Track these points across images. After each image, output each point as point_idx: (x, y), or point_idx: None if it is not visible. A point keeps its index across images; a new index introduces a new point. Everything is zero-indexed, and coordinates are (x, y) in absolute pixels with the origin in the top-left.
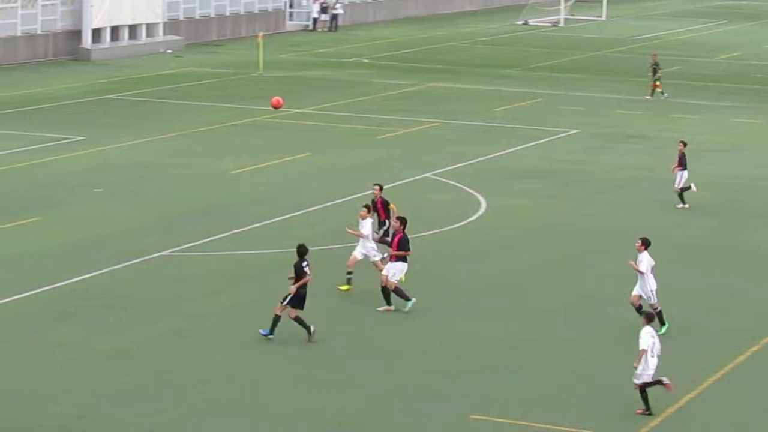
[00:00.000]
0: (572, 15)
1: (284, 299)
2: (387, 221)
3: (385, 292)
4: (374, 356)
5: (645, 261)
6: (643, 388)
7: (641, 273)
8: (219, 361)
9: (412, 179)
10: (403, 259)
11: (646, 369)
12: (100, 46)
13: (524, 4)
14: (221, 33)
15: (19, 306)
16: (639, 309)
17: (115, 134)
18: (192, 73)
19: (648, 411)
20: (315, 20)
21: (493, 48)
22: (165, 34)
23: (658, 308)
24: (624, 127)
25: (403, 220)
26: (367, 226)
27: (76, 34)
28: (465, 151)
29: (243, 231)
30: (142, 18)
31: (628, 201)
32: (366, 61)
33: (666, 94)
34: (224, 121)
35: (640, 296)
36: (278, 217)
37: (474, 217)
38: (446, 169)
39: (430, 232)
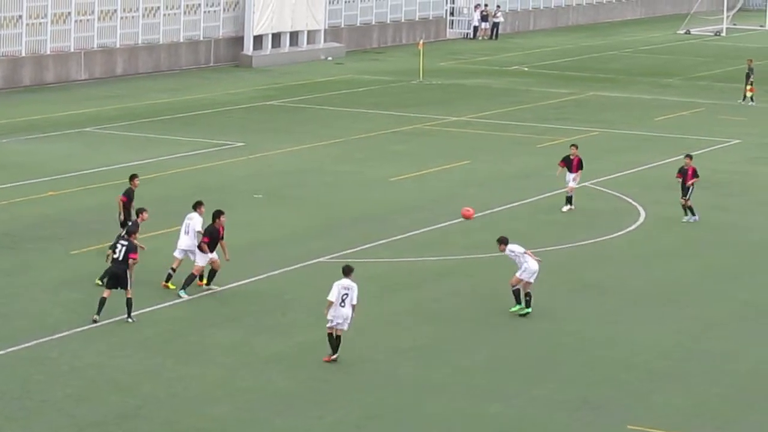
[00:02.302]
0: (734, 24)
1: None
2: None
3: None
4: (535, 364)
5: None
6: None
7: None
8: (377, 368)
9: None
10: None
11: None
12: (262, 52)
13: (686, 13)
14: (382, 40)
15: (181, 310)
16: None
17: (275, 140)
18: (352, 80)
19: None
20: (476, 28)
21: (655, 57)
22: (326, 41)
23: None
24: None
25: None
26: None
27: (237, 41)
28: (625, 160)
29: (401, 238)
30: (303, 25)
31: None
32: (526, 69)
33: (753, 102)
34: (384, 129)
35: None
36: (437, 225)
37: (633, 227)
38: (606, 178)
39: (590, 241)
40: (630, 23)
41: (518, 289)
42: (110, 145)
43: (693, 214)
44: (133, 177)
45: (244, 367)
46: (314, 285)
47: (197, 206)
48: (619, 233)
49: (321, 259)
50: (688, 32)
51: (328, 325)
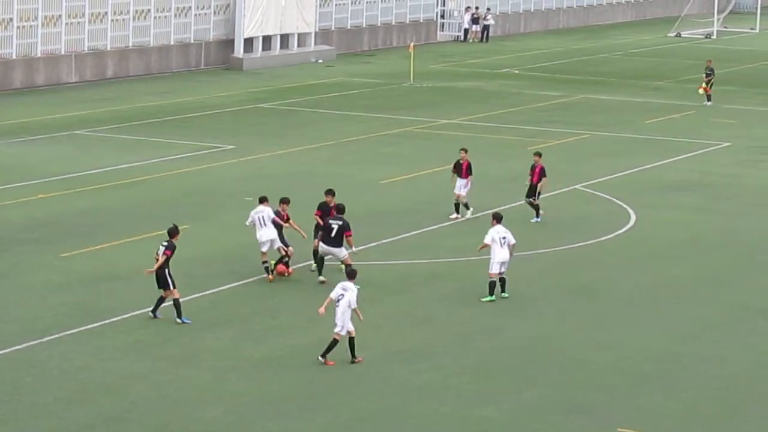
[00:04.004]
0: (725, 27)
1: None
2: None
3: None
4: (525, 367)
5: None
6: None
7: None
8: (367, 371)
9: (562, 191)
10: None
11: None
12: (252, 55)
13: (677, 16)
14: (372, 43)
15: (171, 313)
16: None
17: (265, 143)
18: (343, 83)
19: None
20: (466, 31)
21: (645, 60)
22: (316, 44)
23: None
24: None
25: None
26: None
27: (228, 44)
28: (615, 163)
29: (392, 241)
30: (293, 28)
31: None
32: (517, 72)
33: (709, 102)
34: (374, 131)
35: None
36: (427, 227)
37: (624, 230)
38: (596, 180)
39: (580, 244)
40: (620, 26)
41: (495, 282)
42: (101, 148)
43: (537, 216)
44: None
45: (235, 370)
46: (305, 288)
47: (263, 200)
48: (610, 236)
49: (311, 262)
50: (678, 35)
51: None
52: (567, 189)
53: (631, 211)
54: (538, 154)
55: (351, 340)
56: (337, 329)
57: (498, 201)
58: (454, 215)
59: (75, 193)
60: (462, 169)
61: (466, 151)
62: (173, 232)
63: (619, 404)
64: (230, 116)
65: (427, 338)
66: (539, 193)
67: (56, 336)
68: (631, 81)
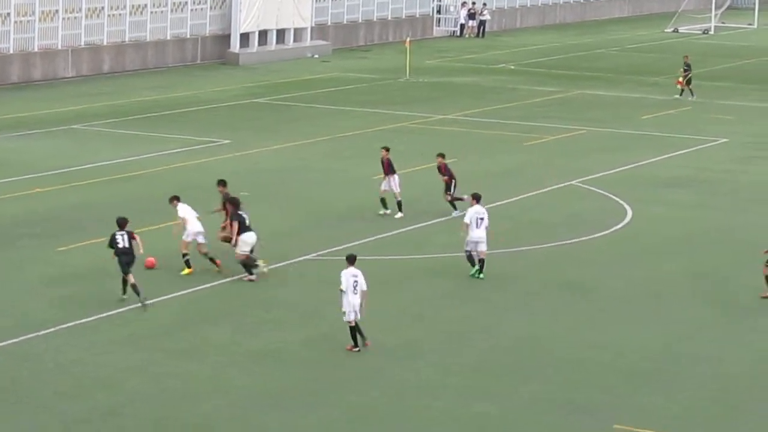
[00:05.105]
0: (723, 23)
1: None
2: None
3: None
4: (521, 364)
5: None
6: None
7: None
8: (363, 366)
9: (558, 186)
10: None
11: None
12: (248, 50)
13: (675, 11)
14: (368, 38)
15: (168, 306)
16: None
17: (261, 138)
18: (339, 78)
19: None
20: (462, 26)
21: (642, 55)
22: (312, 39)
23: None
24: None
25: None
26: None
27: (224, 39)
28: (611, 158)
29: (387, 236)
30: (289, 23)
31: None
32: (513, 67)
33: (680, 96)
34: (370, 126)
35: None
36: (423, 222)
37: (620, 226)
38: (592, 176)
39: (575, 240)
40: (617, 21)
41: (470, 255)
42: (97, 143)
43: (455, 209)
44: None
45: (232, 364)
46: (300, 282)
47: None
48: (606, 232)
49: (307, 257)
50: (676, 30)
51: (345, 318)
52: (563, 185)
53: (627, 207)
54: (440, 155)
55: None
56: (353, 316)
57: (493, 196)
58: (383, 211)
59: (71, 187)
60: (385, 167)
61: (387, 150)
62: (123, 223)
63: (616, 402)
64: (226, 111)
65: (422, 335)
66: (454, 189)
67: (52, 329)
68: (627, 77)
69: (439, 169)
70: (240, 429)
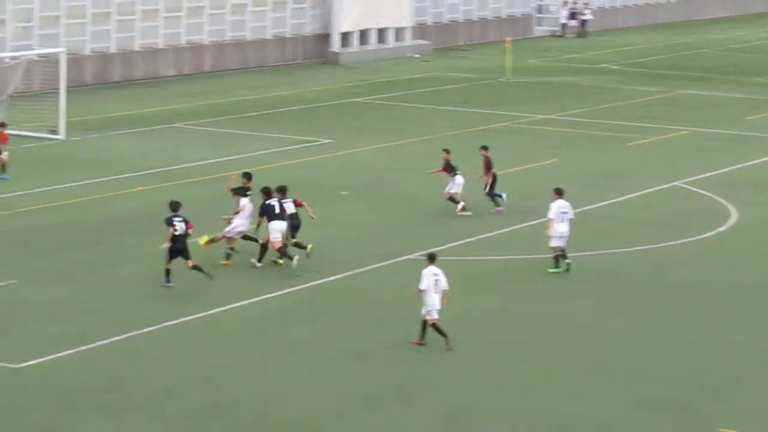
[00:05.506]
0: None
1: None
2: None
3: None
4: (620, 364)
5: None
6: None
7: None
8: (462, 366)
9: (661, 187)
10: None
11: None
12: (349, 49)
13: None
14: (468, 38)
15: (265, 305)
16: None
17: (362, 137)
18: (439, 78)
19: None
20: (563, 26)
21: (746, 55)
22: (413, 38)
23: None
24: None
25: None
26: None
27: (324, 38)
28: (715, 159)
29: (488, 236)
30: (390, 22)
31: None
32: (615, 67)
33: None
34: (470, 126)
35: None
36: (524, 223)
37: (724, 227)
38: (696, 177)
39: (680, 241)
40: (720, 21)
41: (557, 255)
42: (198, 141)
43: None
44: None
45: (329, 364)
46: (399, 282)
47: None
48: (710, 234)
49: (407, 257)
50: None
51: (426, 315)
52: (666, 186)
53: (732, 209)
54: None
55: (435, 326)
56: (435, 315)
57: (595, 197)
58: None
59: (174, 185)
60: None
61: (447, 153)
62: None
63: (721, 404)
64: (327, 110)
65: (521, 334)
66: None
67: (154, 328)
68: (731, 77)
69: (487, 162)
70: (339, 429)
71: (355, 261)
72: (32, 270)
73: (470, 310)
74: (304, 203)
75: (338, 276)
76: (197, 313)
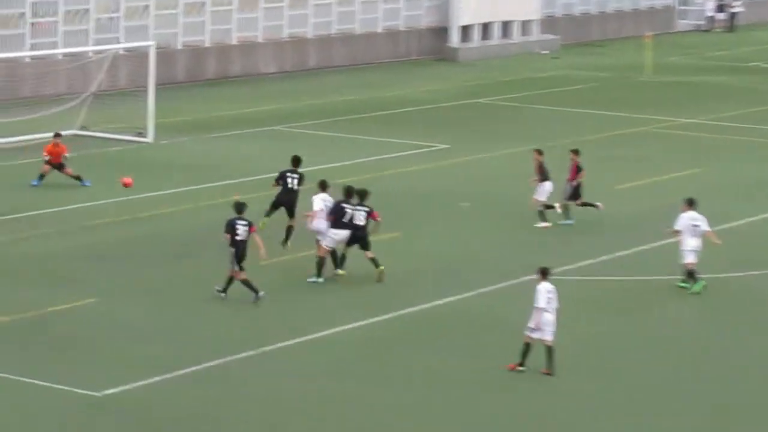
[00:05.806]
0: None
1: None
2: None
3: None
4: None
5: None
6: None
7: None
8: (565, 390)
9: None
10: None
11: None
12: (469, 44)
13: None
14: (603, 32)
15: (377, 328)
16: None
17: (483, 142)
18: (569, 77)
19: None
20: (710, 19)
21: None
22: (540, 32)
23: None
24: None
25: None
26: None
27: (442, 32)
28: None
29: (626, 254)
30: (515, 15)
31: None
32: (766, 66)
33: None
34: (606, 131)
35: None
36: (656, 242)
37: None
38: None
39: None
40: None
41: (693, 270)
42: (301, 146)
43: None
44: None
45: (440, 392)
46: (526, 303)
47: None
48: None
49: (533, 277)
50: None
51: (530, 334)
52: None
53: None
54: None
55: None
56: (550, 336)
57: (742, 211)
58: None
59: (270, 195)
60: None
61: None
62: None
63: None
64: (444, 112)
65: (665, 359)
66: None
67: (251, 353)
68: None
69: (575, 167)
70: None
71: (479, 280)
72: (114, 287)
73: (591, 333)
74: (378, 218)
75: (460, 297)
76: (295, 338)
